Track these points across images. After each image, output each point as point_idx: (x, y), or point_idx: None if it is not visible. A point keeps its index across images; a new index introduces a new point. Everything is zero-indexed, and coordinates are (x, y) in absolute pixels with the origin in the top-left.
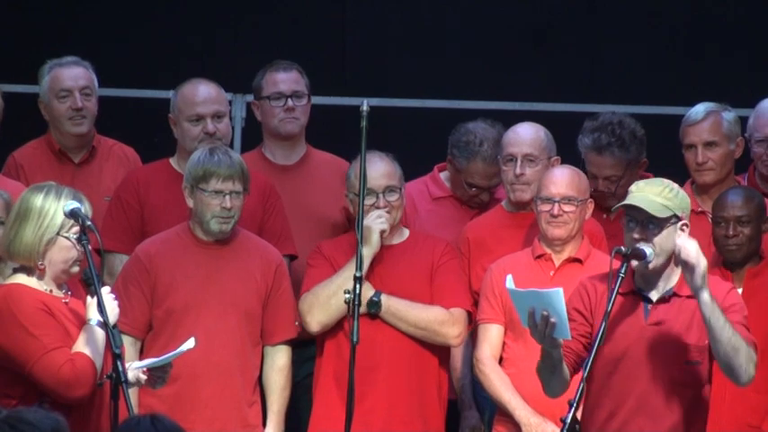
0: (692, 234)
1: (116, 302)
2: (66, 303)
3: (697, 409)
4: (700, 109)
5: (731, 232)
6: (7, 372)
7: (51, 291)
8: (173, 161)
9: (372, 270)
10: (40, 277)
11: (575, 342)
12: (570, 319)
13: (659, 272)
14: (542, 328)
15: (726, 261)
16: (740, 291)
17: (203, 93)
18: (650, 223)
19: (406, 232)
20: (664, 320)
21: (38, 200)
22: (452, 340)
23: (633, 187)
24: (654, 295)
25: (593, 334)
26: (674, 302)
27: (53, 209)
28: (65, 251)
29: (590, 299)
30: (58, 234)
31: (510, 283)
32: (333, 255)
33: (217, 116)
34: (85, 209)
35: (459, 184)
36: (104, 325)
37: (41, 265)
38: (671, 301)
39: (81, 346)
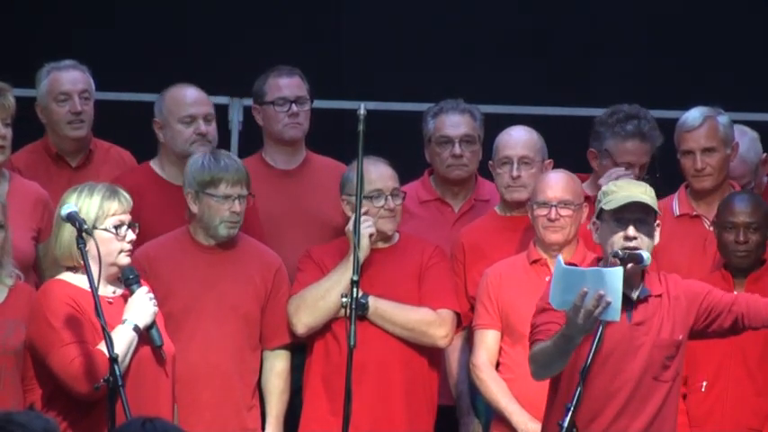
0: (687, 238)
1: (153, 302)
2: (110, 303)
3: (673, 403)
4: (696, 114)
5: (741, 238)
6: (41, 366)
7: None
8: (155, 165)
9: (361, 272)
10: (85, 274)
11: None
12: (550, 311)
13: (639, 272)
14: (592, 308)
15: (729, 265)
16: None
17: (193, 94)
18: (641, 222)
19: (396, 235)
20: (644, 320)
21: (71, 200)
22: (440, 341)
23: (612, 187)
24: (633, 295)
25: None
26: (651, 301)
27: (86, 205)
28: (106, 243)
29: None
30: (94, 228)
31: (561, 261)
32: (322, 259)
33: (207, 118)
34: (122, 201)
35: (435, 157)
36: (138, 328)
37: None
38: (648, 301)
39: (104, 344)
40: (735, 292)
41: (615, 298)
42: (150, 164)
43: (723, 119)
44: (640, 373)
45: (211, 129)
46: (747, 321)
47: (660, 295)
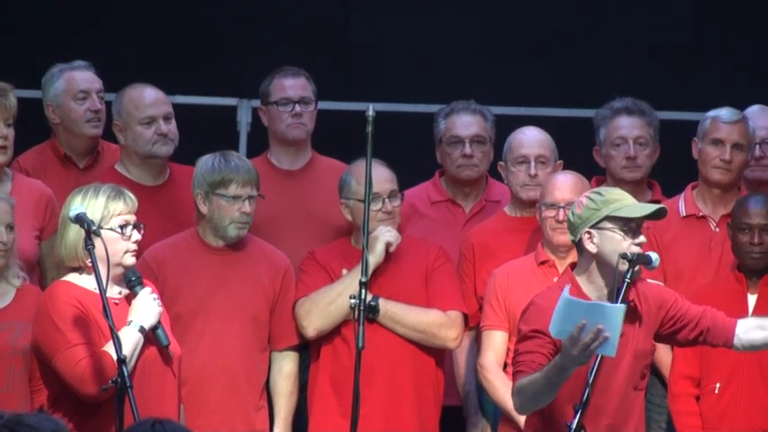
0: (693, 239)
1: (158, 302)
2: (116, 304)
3: (642, 411)
4: (733, 110)
5: (756, 240)
6: (47, 367)
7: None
8: (120, 168)
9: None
10: (90, 275)
11: (546, 360)
12: (536, 338)
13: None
14: (590, 342)
15: (743, 266)
16: (755, 296)
17: (152, 95)
18: (641, 228)
19: (399, 237)
20: (624, 331)
21: (77, 201)
22: (450, 343)
23: (610, 195)
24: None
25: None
26: (628, 310)
27: (91, 206)
28: (111, 243)
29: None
30: (99, 228)
31: (567, 292)
32: (326, 261)
33: (166, 117)
34: (127, 201)
35: (446, 157)
36: (144, 329)
37: (89, 262)
38: (627, 310)
39: (110, 345)
40: (749, 294)
41: (614, 334)
42: (115, 167)
43: (751, 123)
44: (624, 384)
45: (172, 127)
46: (710, 338)
47: (632, 301)
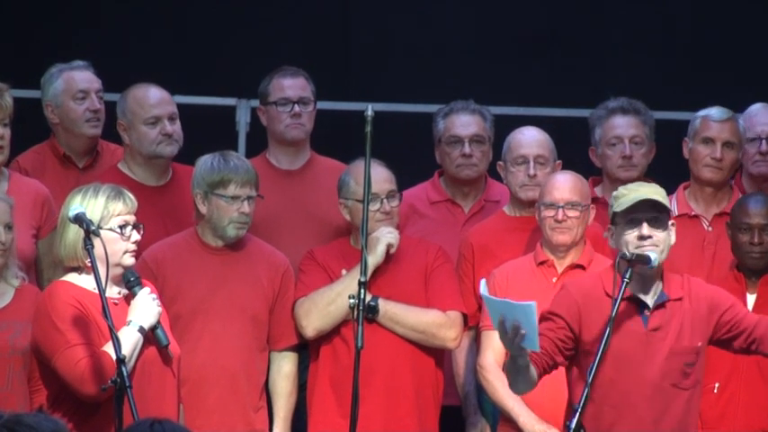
0: (686, 238)
1: (157, 302)
2: (115, 304)
3: (693, 410)
4: (723, 109)
5: (756, 240)
6: (47, 367)
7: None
8: (123, 168)
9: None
10: (90, 275)
11: (550, 344)
12: (549, 320)
13: (655, 274)
14: (512, 337)
15: (742, 266)
16: (754, 296)
17: (156, 95)
18: (655, 221)
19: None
20: (661, 326)
21: (76, 201)
22: (450, 343)
23: (623, 190)
24: (649, 300)
25: (578, 338)
26: (668, 306)
27: (91, 206)
28: (110, 243)
29: (577, 303)
30: (99, 228)
31: (483, 289)
32: (326, 261)
33: (171, 117)
34: (126, 202)
35: (445, 157)
36: (143, 329)
37: (88, 262)
38: (666, 306)
39: (109, 345)
40: (748, 294)
41: (530, 329)
42: (118, 166)
43: (741, 122)
44: (658, 380)
45: (176, 128)
46: (763, 347)
47: (680, 299)
